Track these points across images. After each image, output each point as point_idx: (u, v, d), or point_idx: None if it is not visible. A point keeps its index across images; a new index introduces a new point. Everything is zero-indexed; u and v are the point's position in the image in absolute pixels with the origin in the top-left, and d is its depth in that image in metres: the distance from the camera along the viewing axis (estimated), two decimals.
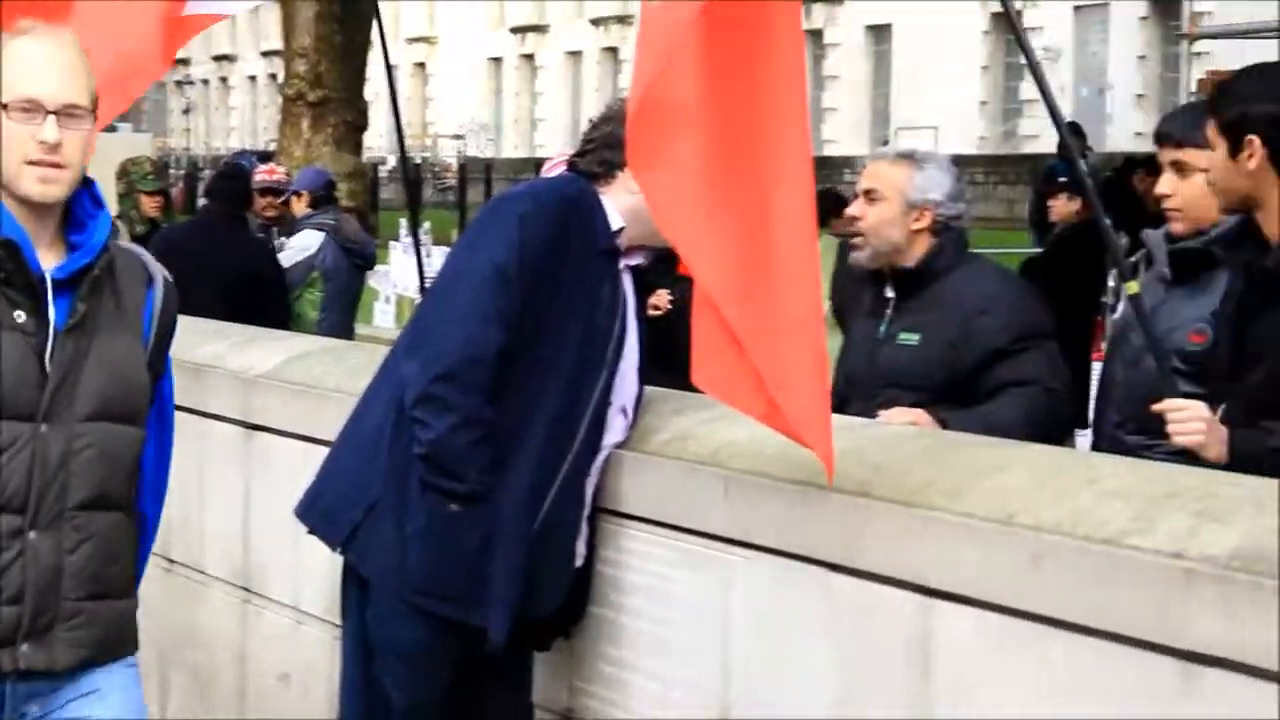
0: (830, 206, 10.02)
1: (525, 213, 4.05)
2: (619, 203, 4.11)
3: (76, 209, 3.44)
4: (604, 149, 4.16)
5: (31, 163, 3.33)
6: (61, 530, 3.38)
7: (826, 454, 3.58)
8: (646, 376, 4.30)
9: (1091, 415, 4.81)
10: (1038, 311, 4.93)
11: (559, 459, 4.05)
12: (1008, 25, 4.20)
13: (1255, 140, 3.89)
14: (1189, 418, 3.87)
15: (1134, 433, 4.42)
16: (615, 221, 4.12)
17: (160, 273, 3.59)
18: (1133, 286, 4.24)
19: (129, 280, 3.51)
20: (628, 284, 4.19)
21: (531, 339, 4.00)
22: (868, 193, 4.96)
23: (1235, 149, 3.92)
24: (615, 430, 4.19)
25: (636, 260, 4.21)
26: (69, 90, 3.36)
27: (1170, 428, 3.91)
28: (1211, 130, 3.98)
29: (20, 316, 3.35)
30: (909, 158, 5.00)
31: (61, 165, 3.34)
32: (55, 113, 3.34)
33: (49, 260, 3.40)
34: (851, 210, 5.00)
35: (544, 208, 4.06)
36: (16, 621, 3.36)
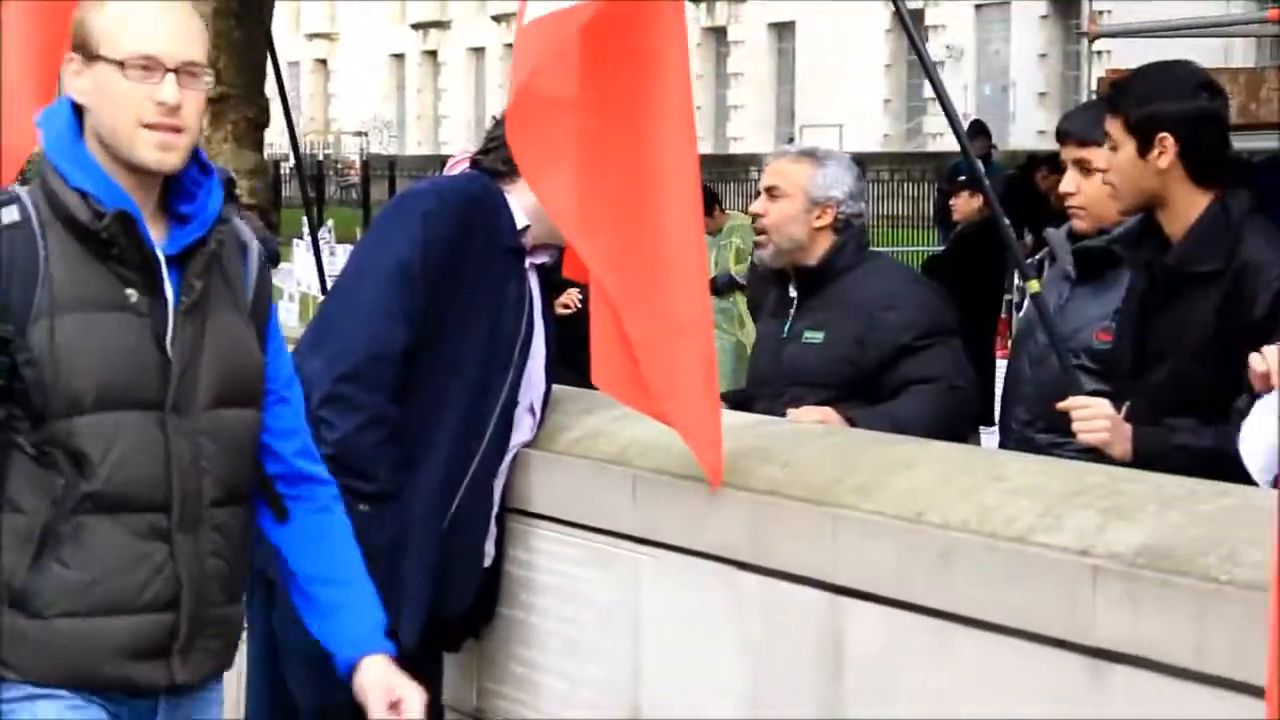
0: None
1: (429, 210, 4.05)
2: (523, 201, 4.11)
3: (183, 175, 3.07)
4: (507, 147, 4.15)
5: (148, 125, 2.97)
6: (200, 530, 3.07)
7: (714, 460, 3.61)
8: (555, 375, 4.30)
9: (998, 413, 4.85)
10: (941, 309, 4.95)
11: (467, 458, 4.05)
12: (911, 23, 4.22)
13: (1168, 138, 3.90)
14: (1093, 415, 3.90)
15: (1043, 431, 4.46)
16: (520, 220, 4.12)
17: (254, 240, 3.26)
18: (1034, 285, 4.27)
19: (230, 252, 3.17)
20: (534, 282, 4.18)
21: (435, 336, 4.00)
22: (770, 190, 4.97)
23: (1145, 147, 3.93)
24: (523, 429, 4.19)
25: (543, 259, 4.21)
26: (188, 46, 3.01)
27: (1075, 426, 3.94)
28: (1116, 128, 3.98)
29: (133, 295, 3.00)
30: (810, 155, 5.02)
31: (180, 129, 2.98)
32: (174, 71, 2.98)
33: (155, 233, 3.04)
34: (754, 207, 5.02)
35: (448, 205, 4.06)
36: (170, 631, 3.04)
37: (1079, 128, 4.49)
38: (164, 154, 2.99)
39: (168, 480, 3.02)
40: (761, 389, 4.97)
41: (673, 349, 3.55)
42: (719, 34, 49.88)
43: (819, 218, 4.91)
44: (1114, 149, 3.98)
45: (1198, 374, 3.81)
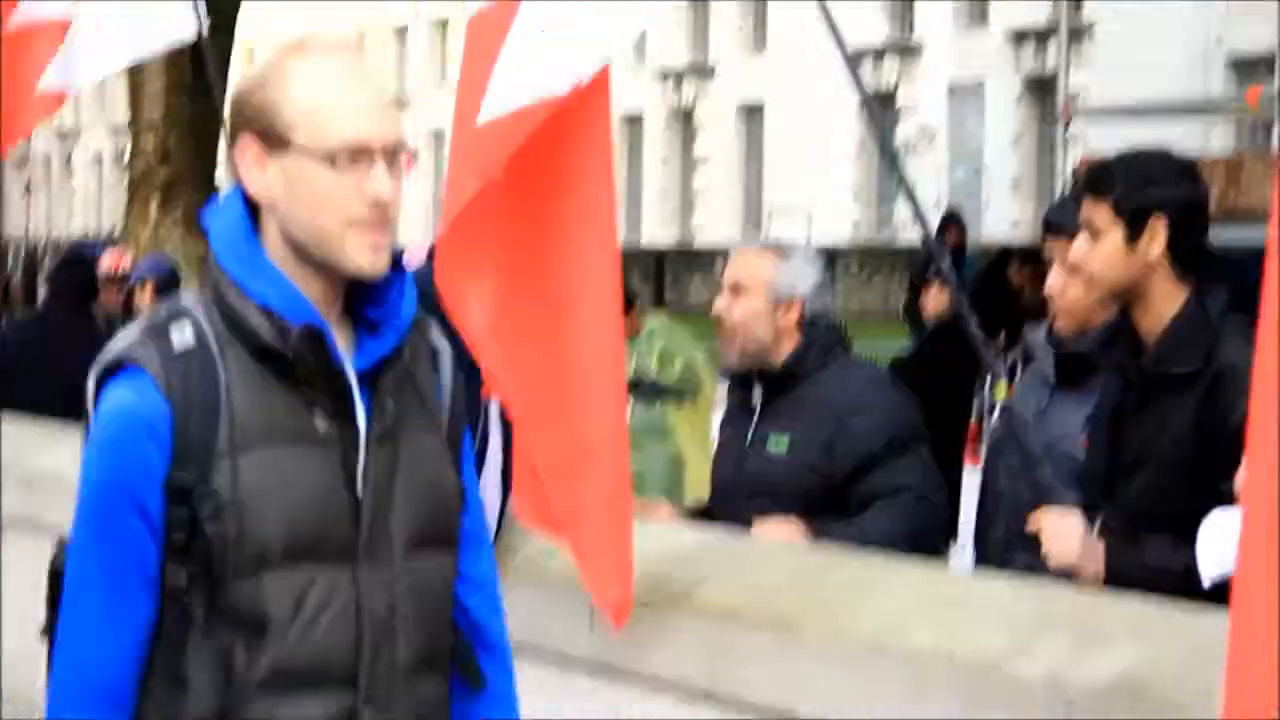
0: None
1: None
2: None
3: None
4: None
5: (359, 226, 2.56)
6: (394, 705, 2.62)
7: (619, 597, 3.55)
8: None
9: (967, 527, 4.81)
10: (911, 415, 4.91)
11: None
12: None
13: (1160, 225, 3.84)
14: (1062, 534, 3.85)
15: (1021, 550, 4.40)
16: None
17: (444, 344, 2.81)
18: (1001, 390, 4.21)
19: (421, 360, 2.73)
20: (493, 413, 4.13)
21: None
22: (733, 287, 4.93)
23: (1135, 234, 3.85)
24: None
25: None
26: (394, 123, 2.62)
27: (1045, 545, 3.87)
28: (1100, 213, 3.89)
29: (321, 424, 2.58)
30: (775, 249, 4.98)
31: (390, 224, 2.60)
32: (384, 156, 2.58)
33: (341, 344, 2.62)
34: (717, 307, 4.96)
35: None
36: None
37: (1068, 220, 4.36)
38: (376, 257, 2.57)
39: (356, 649, 2.58)
40: (723, 501, 4.93)
41: (578, 473, 3.51)
42: (685, 116, 50.19)
43: (784, 315, 4.88)
44: (1095, 236, 3.91)
45: (1176, 485, 3.77)
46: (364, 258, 2.56)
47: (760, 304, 4.87)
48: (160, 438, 2.51)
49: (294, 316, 2.56)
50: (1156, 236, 3.83)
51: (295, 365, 2.56)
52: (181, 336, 2.57)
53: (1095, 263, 3.91)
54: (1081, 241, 3.95)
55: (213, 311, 2.59)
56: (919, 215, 4.26)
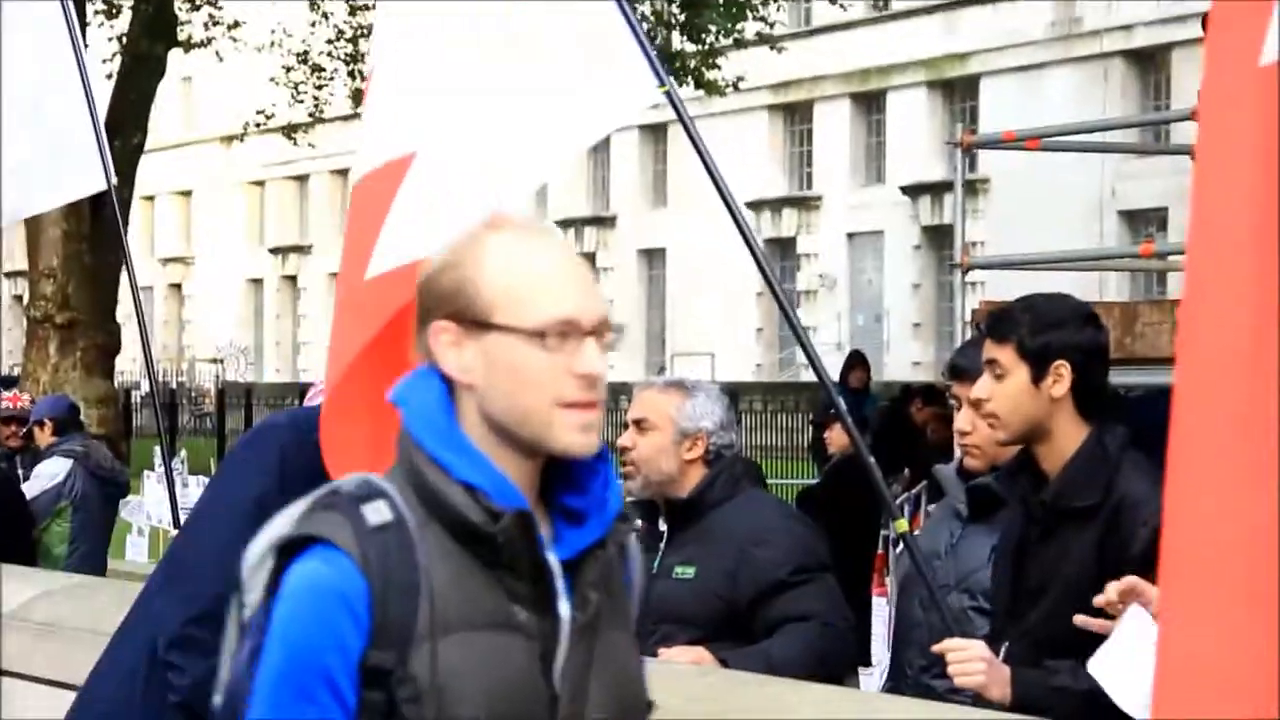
0: None
1: (286, 443, 3.98)
2: None
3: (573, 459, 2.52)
4: None
5: (569, 405, 2.45)
6: None
7: None
8: None
9: (878, 653, 4.86)
10: (815, 544, 4.97)
11: None
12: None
13: (1064, 366, 3.95)
14: (968, 659, 3.90)
15: (939, 676, 4.44)
16: None
17: (632, 537, 2.68)
18: (901, 525, 4.29)
19: (615, 555, 2.60)
20: None
21: None
22: (638, 422, 4.99)
23: (1039, 375, 3.96)
24: None
25: None
26: (599, 300, 2.51)
27: (951, 669, 3.93)
28: (1005, 354, 4.00)
29: (520, 612, 2.46)
30: (678, 385, 5.06)
31: (600, 402, 2.48)
32: (593, 333, 2.48)
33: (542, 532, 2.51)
34: (623, 441, 5.03)
35: (306, 438, 4.01)
36: None
37: (972, 364, 4.46)
38: (587, 437, 2.45)
39: None
40: None
41: None
42: (589, 259, 50.41)
43: (689, 449, 4.94)
44: (999, 377, 4.01)
45: (1077, 612, 3.84)
46: (574, 437, 2.44)
47: (664, 439, 4.93)
48: (358, 615, 2.38)
49: (502, 499, 2.43)
50: (1061, 379, 3.95)
51: (502, 550, 2.43)
52: (378, 514, 2.43)
53: (1001, 401, 4.01)
54: (985, 381, 4.06)
55: (408, 490, 2.45)
56: (814, 363, 4.32)
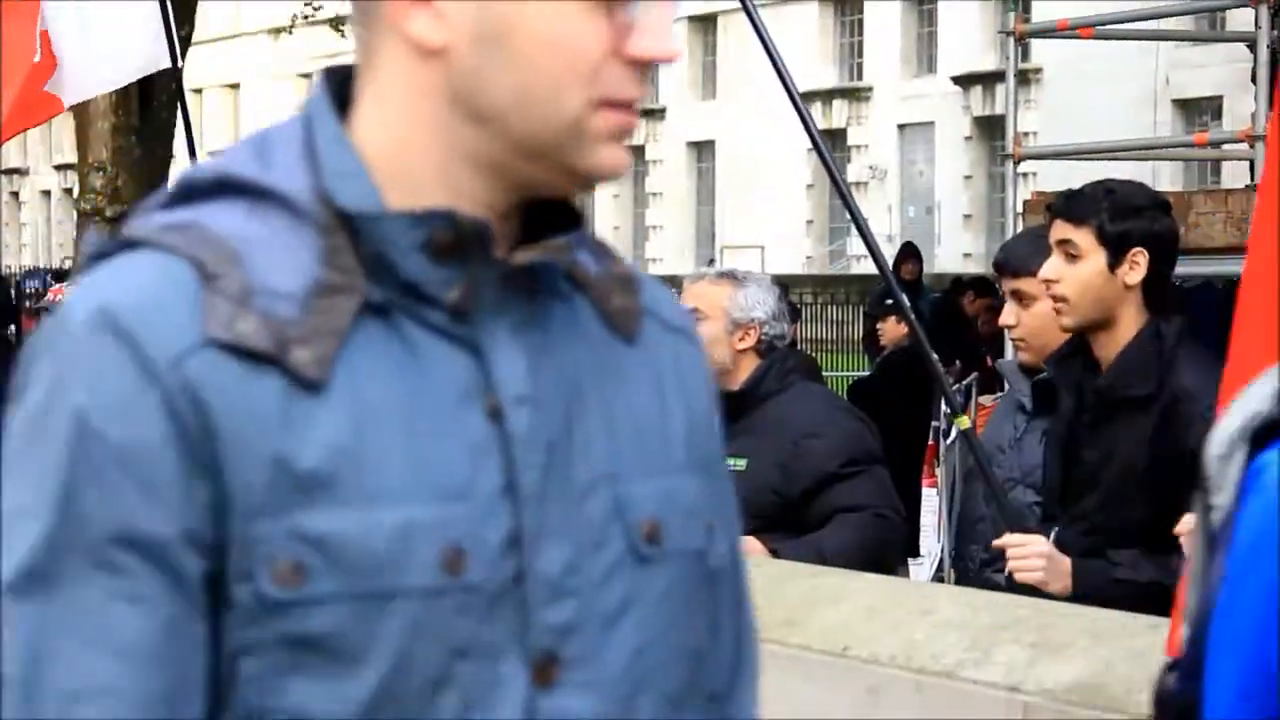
0: None
1: None
2: None
3: None
4: None
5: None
6: None
7: None
8: None
9: (931, 545, 4.86)
10: (867, 436, 4.97)
11: None
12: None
13: (1141, 254, 3.92)
14: (1028, 554, 3.89)
15: (1001, 570, 4.44)
16: None
17: None
18: (964, 421, 4.27)
19: None
20: None
21: None
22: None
23: (1116, 261, 3.93)
24: None
25: None
26: None
27: (1010, 565, 3.93)
28: (1084, 238, 3.95)
29: None
30: (730, 276, 5.05)
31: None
32: None
33: None
34: None
35: None
36: None
37: (1016, 258, 4.49)
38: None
39: None
40: None
41: None
42: (637, 153, 50.29)
43: (742, 340, 4.94)
44: (1073, 258, 3.97)
45: (1130, 502, 3.84)
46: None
47: (717, 329, 4.92)
48: None
49: None
50: (1137, 266, 3.91)
51: None
52: None
53: (1072, 284, 3.96)
54: (1056, 262, 4.01)
55: None
56: (872, 251, 4.31)
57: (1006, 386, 5.01)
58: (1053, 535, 3.95)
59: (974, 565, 4.64)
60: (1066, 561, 3.86)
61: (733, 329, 4.93)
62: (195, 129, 7.53)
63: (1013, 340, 4.53)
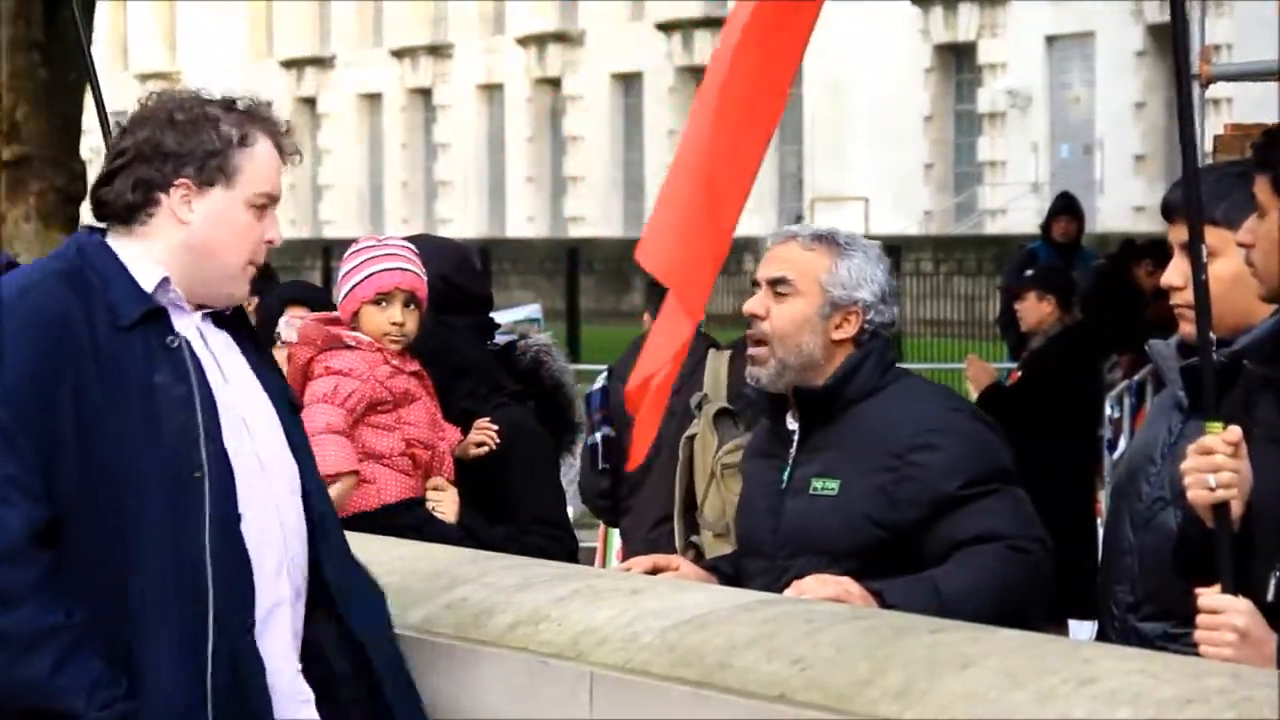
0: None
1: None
2: (155, 246, 4.07)
3: None
4: (140, 164, 4.13)
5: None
6: None
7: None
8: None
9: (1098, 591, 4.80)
10: (995, 445, 4.94)
11: (197, 631, 4.00)
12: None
13: None
14: (1220, 625, 3.82)
15: (1151, 617, 4.42)
16: (151, 274, 4.07)
17: None
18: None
19: None
20: (219, 340, 4.17)
21: (83, 493, 3.98)
22: (774, 284, 4.94)
23: None
24: (276, 543, 4.14)
25: (217, 307, 4.19)
26: None
27: (1197, 635, 3.86)
28: (1261, 190, 3.98)
29: None
30: (829, 240, 4.98)
31: None
32: None
33: None
34: (751, 305, 4.94)
35: (16, 322, 4.02)
36: None
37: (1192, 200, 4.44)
38: None
39: None
40: (755, 558, 4.96)
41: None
42: (698, 75, 50.29)
43: (839, 327, 4.89)
44: (1262, 215, 3.99)
45: None
46: None
47: (809, 309, 4.87)
48: None
49: None
50: None
51: None
52: None
53: (1259, 248, 4.00)
54: (1251, 222, 4.04)
55: None
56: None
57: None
58: (1273, 584, 3.88)
59: (1118, 611, 4.58)
60: (1272, 641, 3.78)
61: (830, 312, 4.89)
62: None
63: (1176, 309, 4.46)
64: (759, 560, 4.94)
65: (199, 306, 4.17)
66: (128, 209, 4.15)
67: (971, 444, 4.88)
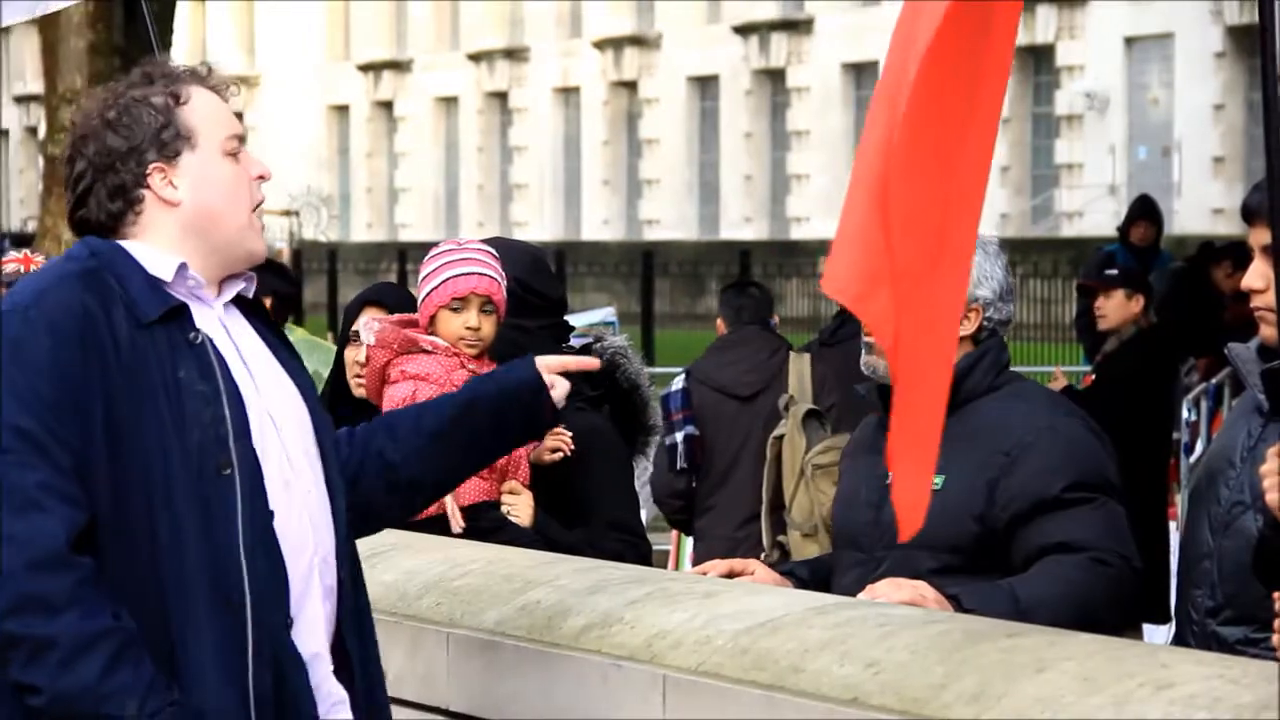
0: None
1: (19, 339, 4.01)
2: (160, 237, 4.08)
3: None
4: (104, 175, 4.13)
5: None
6: None
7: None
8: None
9: (1174, 597, 4.79)
10: (1103, 456, 4.94)
11: (238, 627, 4.00)
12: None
13: None
14: None
15: (1230, 621, 4.40)
16: (166, 264, 4.08)
17: None
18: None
19: None
20: (241, 326, 4.15)
21: (115, 496, 3.97)
22: None
23: None
24: (317, 528, 4.13)
25: (238, 288, 4.18)
26: None
27: (1277, 639, 3.86)
28: None
29: None
30: None
31: None
32: None
33: None
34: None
35: (38, 326, 3.99)
36: None
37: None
38: None
39: None
40: (851, 551, 4.96)
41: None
42: (776, 78, 50.32)
43: (961, 325, 4.91)
44: None
45: None
46: None
47: None
48: None
49: None
50: None
51: None
52: None
53: None
54: None
55: None
56: None
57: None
58: None
59: (1197, 614, 4.56)
60: None
61: None
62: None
63: (1257, 312, 4.45)
64: (854, 553, 4.94)
65: (222, 285, 4.15)
66: (114, 217, 4.12)
67: (1078, 450, 4.90)
